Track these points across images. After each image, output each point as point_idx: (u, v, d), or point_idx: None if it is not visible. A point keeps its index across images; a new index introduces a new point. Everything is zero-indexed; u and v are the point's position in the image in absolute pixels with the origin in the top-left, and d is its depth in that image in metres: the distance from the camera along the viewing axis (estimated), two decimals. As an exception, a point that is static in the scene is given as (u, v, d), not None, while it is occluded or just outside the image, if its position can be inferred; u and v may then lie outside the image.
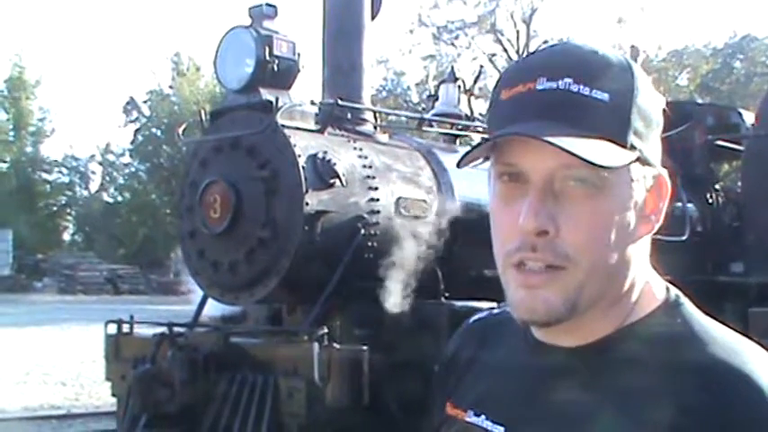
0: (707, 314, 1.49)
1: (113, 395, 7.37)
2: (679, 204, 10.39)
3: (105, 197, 62.30)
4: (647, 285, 1.51)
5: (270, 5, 7.20)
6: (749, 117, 10.47)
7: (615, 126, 1.40)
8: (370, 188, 7.05)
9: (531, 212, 1.40)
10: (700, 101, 18.13)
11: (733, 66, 47.14)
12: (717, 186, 11.46)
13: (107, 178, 62.51)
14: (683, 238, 10.02)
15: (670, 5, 73.81)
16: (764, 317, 6.71)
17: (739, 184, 9.99)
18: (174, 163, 51.03)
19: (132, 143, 59.66)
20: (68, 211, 63.49)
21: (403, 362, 6.47)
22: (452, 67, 9.72)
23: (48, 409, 12.28)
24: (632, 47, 11.71)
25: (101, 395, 12.18)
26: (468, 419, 1.57)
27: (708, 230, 10.66)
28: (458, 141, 8.95)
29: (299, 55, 7.23)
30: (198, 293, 7.63)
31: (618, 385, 1.40)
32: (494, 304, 6.98)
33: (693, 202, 10.62)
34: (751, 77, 44.25)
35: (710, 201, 11.09)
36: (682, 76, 48.01)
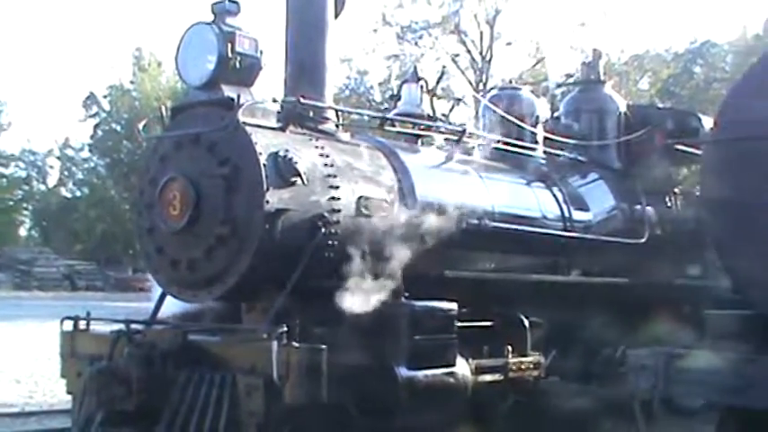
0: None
1: (69, 392, 7.30)
2: (638, 207, 10.49)
3: (63, 192, 61.78)
4: None
5: (233, 2, 7.17)
6: (708, 122, 10.57)
7: None
8: (332, 187, 7.03)
9: None
10: (660, 105, 18.30)
11: (693, 71, 47.54)
12: (676, 190, 11.57)
13: (65, 173, 62.03)
14: (642, 240, 10.10)
15: (632, 10, 74.22)
16: (720, 320, 6.76)
17: (698, 188, 10.07)
18: (134, 159, 50.70)
19: (92, 138, 59.22)
20: (25, 205, 62.92)
21: (362, 361, 6.46)
22: (415, 67, 9.72)
23: (1, 407, 12.13)
24: (594, 50, 11.72)
25: (56, 393, 12.05)
26: None
27: (666, 233, 10.76)
28: (420, 141, 8.95)
29: (261, 52, 7.21)
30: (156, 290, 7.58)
31: None
32: (453, 305, 7.01)
33: (653, 206, 10.72)
34: (710, 83, 44.63)
35: (669, 204, 11.20)
36: (643, 81, 48.35)
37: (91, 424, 6.56)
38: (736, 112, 6.94)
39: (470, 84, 45.29)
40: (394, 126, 9.02)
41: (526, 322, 8.28)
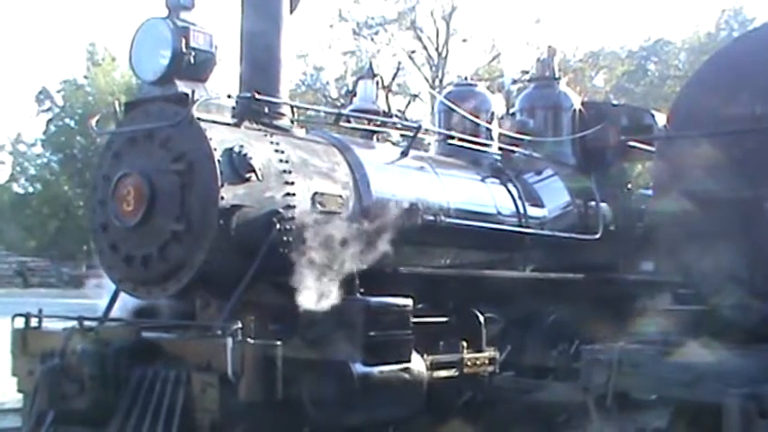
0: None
1: (19, 391, 7.20)
2: (593, 203, 10.56)
3: (15, 188, 60.93)
4: None
5: (187, -3, 7.12)
6: (661, 118, 10.68)
7: None
8: (287, 183, 7.01)
9: None
10: (615, 102, 18.44)
11: (647, 68, 47.93)
12: (629, 186, 11.68)
13: (17, 169, 61.12)
14: (597, 236, 10.18)
15: (587, 8, 74.89)
16: (672, 314, 6.85)
17: (651, 184, 10.18)
18: (88, 154, 50.16)
19: (44, 133, 58.50)
20: (-24, 201, 61.95)
21: (317, 357, 6.45)
22: (371, 63, 9.73)
23: (-49, 406, 11.96)
24: (549, 47, 11.79)
25: (6, 391, 11.91)
26: None
27: (620, 229, 10.85)
28: (375, 137, 8.95)
29: (216, 47, 7.17)
30: (109, 287, 7.51)
31: None
32: (408, 301, 7.02)
33: (607, 202, 10.80)
34: (664, 80, 45.05)
35: (623, 200, 11.30)
36: (598, 77, 48.69)
37: (42, 423, 6.50)
38: (689, 109, 7.02)
39: (426, 80, 45.34)
40: (349, 122, 9.02)
41: (481, 318, 8.32)
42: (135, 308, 7.43)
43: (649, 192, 10.31)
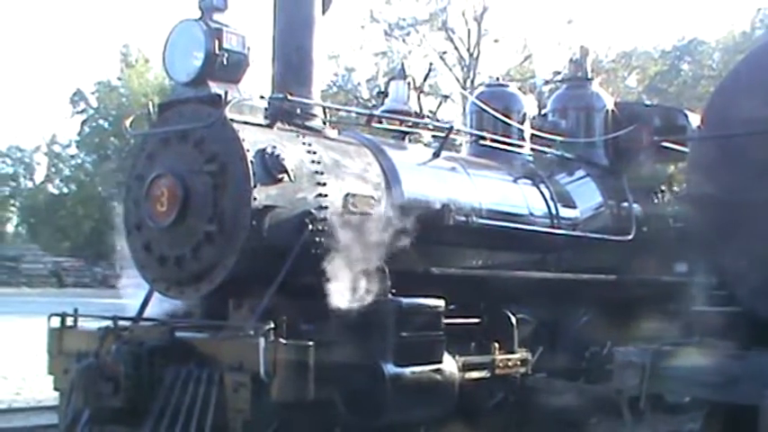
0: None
1: (56, 389, 7.28)
2: (625, 204, 10.51)
3: (51, 189, 61.51)
4: None
5: (220, -2, 7.16)
6: (695, 119, 10.60)
7: None
8: (319, 183, 7.03)
9: None
10: (648, 102, 18.33)
11: (680, 68, 47.58)
12: (662, 187, 11.60)
13: (53, 169, 61.72)
14: (629, 237, 10.12)
15: (620, 7, 74.39)
16: (706, 316, 6.79)
17: (684, 185, 10.11)
18: (122, 155, 50.55)
19: (79, 134, 59.03)
20: (12, 202, 62.59)
21: (349, 358, 6.46)
22: (402, 64, 9.71)
23: (-12, 403, 12.08)
24: (582, 47, 11.75)
25: (43, 389, 12.02)
26: None
27: (653, 231, 10.78)
28: (407, 138, 8.95)
29: (248, 49, 7.20)
30: (142, 287, 7.56)
31: None
32: (440, 302, 7.01)
33: (639, 203, 10.74)
34: (698, 80, 44.72)
35: (656, 201, 11.23)
36: (630, 78, 48.41)
37: (78, 421, 6.56)
38: (723, 110, 6.97)
39: (458, 81, 45.36)
40: (381, 123, 9.02)
41: (513, 319, 8.30)
42: (168, 307, 7.48)
43: (683, 192, 10.23)
